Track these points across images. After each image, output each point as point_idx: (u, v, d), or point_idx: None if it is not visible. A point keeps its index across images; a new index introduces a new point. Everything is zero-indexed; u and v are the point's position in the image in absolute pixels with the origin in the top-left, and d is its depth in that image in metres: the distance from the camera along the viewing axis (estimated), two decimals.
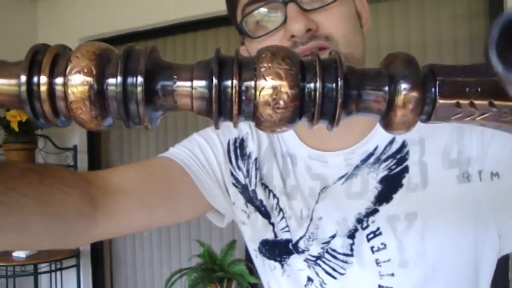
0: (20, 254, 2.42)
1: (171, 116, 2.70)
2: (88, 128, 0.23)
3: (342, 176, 0.62)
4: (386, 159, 0.60)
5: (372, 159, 0.61)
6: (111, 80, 0.21)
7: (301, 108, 0.22)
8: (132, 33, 2.67)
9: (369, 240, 0.59)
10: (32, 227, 0.45)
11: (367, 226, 0.59)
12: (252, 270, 2.17)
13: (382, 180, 0.60)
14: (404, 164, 0.59)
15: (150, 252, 2.75)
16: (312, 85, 0.22)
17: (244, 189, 0.68)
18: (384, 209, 0.59)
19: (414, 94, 0.22)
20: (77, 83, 0.21)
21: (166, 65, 0.23)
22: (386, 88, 0.23)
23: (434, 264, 0.57)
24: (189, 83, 0.22)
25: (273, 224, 0.65)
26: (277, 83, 0.21)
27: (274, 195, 0.66)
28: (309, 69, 0.22)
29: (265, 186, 0.67)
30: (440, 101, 0.23)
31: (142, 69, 0.21)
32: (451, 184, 0.57)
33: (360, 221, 0.60)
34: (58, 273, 2.68)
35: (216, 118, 0.22)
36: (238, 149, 0.69)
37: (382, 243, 0.58)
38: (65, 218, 0.49)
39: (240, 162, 0.68)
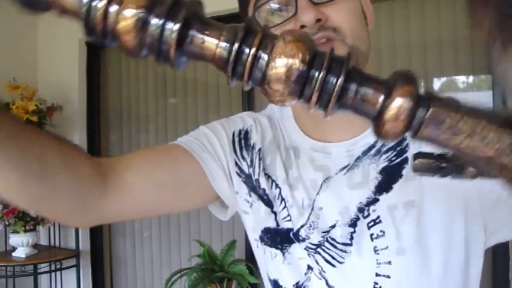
0: (20, 254, 2.42)
1: (171, 116, 2.70)
2: (127, 54, 0.26)
3: (344, 167, 0.64)
4: (386, 151, 0.63)
5: (373, 151, 0.63)
6: (154, 20, 0.24)
7: (302, 90, 0.25)
8: None
9: (369, 228, 0.61)
10: (52, 178, 0.49)
11: (368, 215, 0.61)
12: (252, 270, 2.17)
13: (383, 171, 0.62)
14: (404, 156, 0.62)
15: (150, 252, 2.75)
16: (316, 72, 0.24)
17: (247, 179, 0.69)
18: (383, 198, 0.61)
19: (406, 107, 0.23)
20: (127, 15, 0.24)
21: (203, 19, 0.26)
22: (383, 96, 0.24)
23: (428, 252, 0.59)
24: (215, 41, 0.25)
25: (275, 213, 0.67)
26: (288, 60, 0.24)
27: (277, 185, 0.68)
28: (319, 58, 0.25)
29: (268, 176, 0.68)
30: (428, 121, 0.24)
31: (181, 18, 0.24)
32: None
33: (361, 210, 0.62)
34: (58, 273, 2.68)
35: (229, 78, 0.26)
36: (243, 140, 0.71)
37: (381, 231, 0.60)
38: (80, 181, 0.53)
39: (244, 153, 0.70)
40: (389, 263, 0.60)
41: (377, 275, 0.60)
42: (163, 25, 0.25)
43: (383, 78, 0.25)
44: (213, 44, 0.25)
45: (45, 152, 0.49)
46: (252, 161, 0.70)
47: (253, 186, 0.69)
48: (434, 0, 2.00)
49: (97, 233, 2.87)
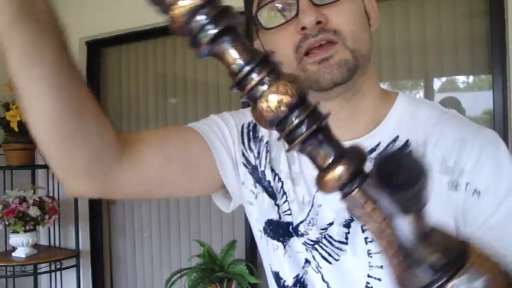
0: (19, 254, 2.42)
1: (171, 116, 2.70)
2: (172, 25, 0.30)
3: None
4: None
5: (373, 154, 0.63)
6: (200, 17, 0.29)
7: (280, 122, 0.30)
8: (132, 33, 2.67)
9: (363, 231, 0.61)
10: (84, 123, 0.52)
11: None
12: (252, 270, 2.17)
13: None
14: None
15: (150, 252, 2.75)
16: (293, 117, 0.30)
17: (254, 170, 0.71)
18: None
19: (342, 177, 0.29)
20: (182, 4, 0.29)
21: (237, 33, 0.31)
22: (332, 159, 0.29)
23: None
24: (236, 56, 0.31)
25: (278, 205, 0.68)
26: (278, 98, 0.30)
27: (280, 179, 0.68)
28: (304, 107, 0.30)
29: (272, 169, 0.69)
30: (353, 195, 0.29)
31: (221, 27, 0.29)
32: (442, 189, 0.59)
33: None
34: (58, 273, 2.68)
35: (232, 86, 0.31)
36: (251, 131, 0.72)
37: None
38: (104, 138, 0.56)
39: (252, 144, 0.72)
40: (381, 267, 0.60)
41: (369, 276, 0.61)
42: (204, 25, 0.30)
43: (342, 145, 0.30)
44: (232, 57, 0.31)
45: (85, 95, 0.52)
46: (259, 152, 0.71)
47: (258, 178, 0.70)
48: (434, 0, 2.00)
49: (97, 233, 2.87)
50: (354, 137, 0.64)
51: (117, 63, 2.88)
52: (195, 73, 2.61)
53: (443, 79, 2.08)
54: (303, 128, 0.30)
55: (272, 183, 0.69)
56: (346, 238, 0.62)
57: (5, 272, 2.43)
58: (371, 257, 0.61)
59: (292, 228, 0.66)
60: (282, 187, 0.68)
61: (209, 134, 0.68)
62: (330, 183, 0.29)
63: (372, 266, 0.61)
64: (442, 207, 0.58)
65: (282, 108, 0.29)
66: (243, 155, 0.71)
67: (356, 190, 0.29)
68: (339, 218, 0.63)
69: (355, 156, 0.29)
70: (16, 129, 2.38)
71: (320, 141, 0.30)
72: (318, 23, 0.57)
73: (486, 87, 1.96)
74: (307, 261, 0.65)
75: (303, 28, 0.57)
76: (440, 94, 2.07)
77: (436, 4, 2.00)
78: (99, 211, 2.88)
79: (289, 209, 0.67)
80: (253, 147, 0.71)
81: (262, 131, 0.72)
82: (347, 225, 0.62)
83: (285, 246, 0.67)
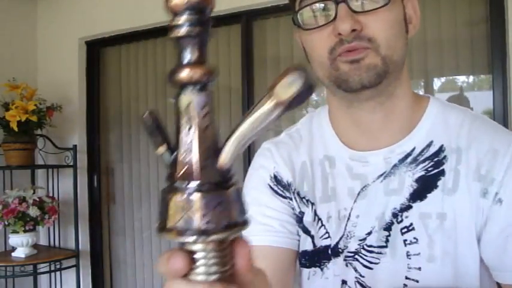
0: (19, 254, 2.42)
1: (170, 117, 2.69)
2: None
3: (381, 175, 0.66)
4: (424, 161, 0.65)
5: (409, 159, 0.65)
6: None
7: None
8: (132, 33, 2.67)
9: (402, 233, 0.64)
10: None
11: (402, 220, 0.64)
12: None
13: (419, 180, 0.64)
14: (441, 168, 0.64)
15: (150, 252, 2.74)
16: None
17: (295, 214, 0.73)
18: (417, 205, 0.63)
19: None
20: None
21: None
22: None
23: (461, 264, 0.61)
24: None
25: (312, 236, 0.70)
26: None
27: (313, 204, 0.70)
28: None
29: (307, 200, 0.71)
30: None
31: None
32: (474, 195, 0.62)
33: (395, 215, 0.64)
34: (57, 273, 2.68)
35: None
36: (278, 184, 0.73)
37: (414, 238, 0.63)
38: None
39: (286, 193, 0.73)
40: (420, 268, 0.62)
41: (406, 278, 0.63)
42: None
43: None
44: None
45: None
46: (292, 199, 0.72)
47: (298, 219, 0.71)
48: (435, 1, 2.00)
49: (97, 233, 2.86)
50: (390, 142, 0.66)
51: (117, 63, 2.88)
52: None
53: (443, 79, 2.08)
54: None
55: (305, 217, 0.70)
56: (387, 241, 0.64)
57: (4, 272, 2.43)
58: (410, 258, 0.63)
59: (330, 249, 0.68)
60: (315, 215, 0.69)
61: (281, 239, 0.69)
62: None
63: (410, 268, 0.62)
64: (470, 212, 0.61)
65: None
66: (287, 204, 0.73)
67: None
68: (380, 223, 0.64)
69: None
70: (16, 129, 2.38)
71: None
72: (353, 30, 0.59)
73: (486, 87, 1.96)
74: (343, 282, 0.67)
75: (339, 33, 0.59)
76: (440, 94, 2.07)
77: (436, 4, 2.00)
78: (99, 211, 2.88)
79: (327, 232, 0.68)
80: (287, 194, 0.72)
81: (285, 176, 0.72)
82: (388, 228, 0.64)
83: (322, 269, 0.69)
